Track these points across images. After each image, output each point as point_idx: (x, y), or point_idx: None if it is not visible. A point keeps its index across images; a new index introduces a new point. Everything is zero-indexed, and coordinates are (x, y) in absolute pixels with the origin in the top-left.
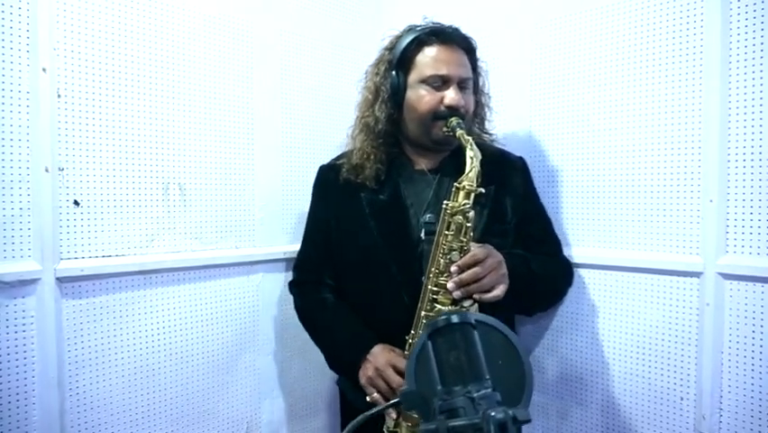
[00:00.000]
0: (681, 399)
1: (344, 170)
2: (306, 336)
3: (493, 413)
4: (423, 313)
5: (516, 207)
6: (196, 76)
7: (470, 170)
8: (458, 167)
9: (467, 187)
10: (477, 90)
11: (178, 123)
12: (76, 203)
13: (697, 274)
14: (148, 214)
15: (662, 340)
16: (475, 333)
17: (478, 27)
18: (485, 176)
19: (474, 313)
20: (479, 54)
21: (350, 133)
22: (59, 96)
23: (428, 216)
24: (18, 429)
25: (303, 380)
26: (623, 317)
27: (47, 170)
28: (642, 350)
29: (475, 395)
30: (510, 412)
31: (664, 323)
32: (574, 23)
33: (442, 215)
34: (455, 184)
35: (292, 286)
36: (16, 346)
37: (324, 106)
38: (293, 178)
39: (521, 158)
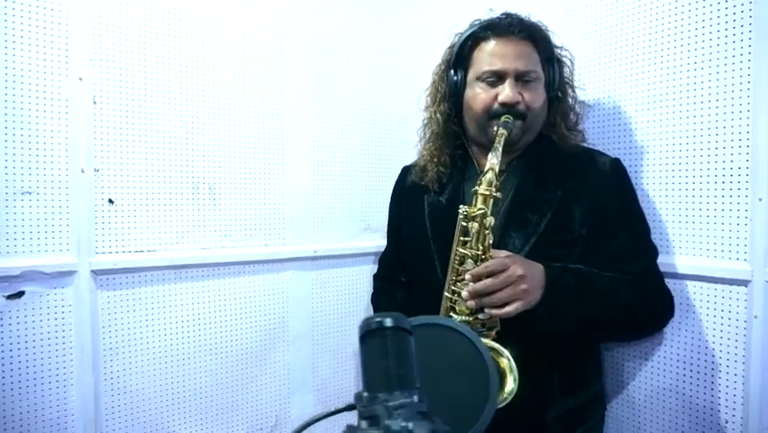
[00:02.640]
0: (726, 421)
1: (413, 171)
2: (336, 334)
3: (389, 423)
4: None
5: (588, 218)
6: (226, 79)
7: (485, 173)
8: (529, 168)
9: (482, 191)
10: (553, 82)
11: (207, 125)
12: (110, 201)
13: (744, 283)
14: (178, 212)
15: (705, 355)
16: (411, 338)
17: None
18: (553, 180)
19: (427, 317)
20: (558, 42)
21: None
22: (94, 102)
23: None
24: (57, 408)
25: (334, 377)
26: None
27: (83, 171)
28: (682, 364)
29: (391, 404)
30: (409, 425)
31: (707, 336)
32: (606, 5)
33: (457, 219)
34: (474, 188)
35: (374, 279)
36: (56, 332)
37: (358, 105)
38: (323, 176)
39: (614, 161)
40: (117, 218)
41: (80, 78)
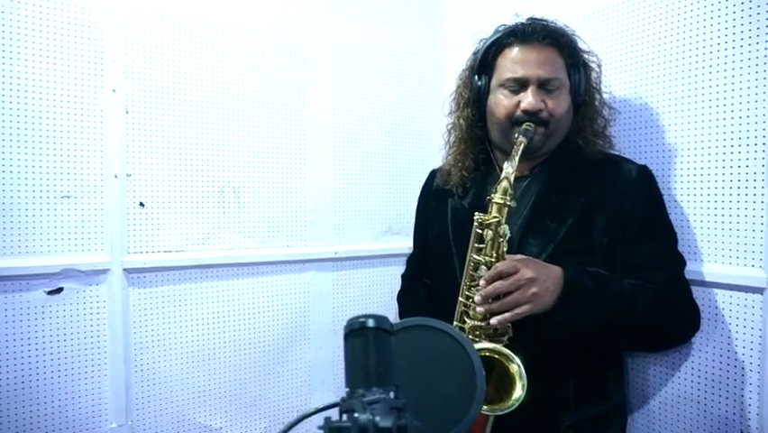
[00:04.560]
0: (741, 432)
1: (439, 175)
2: None
3: (357, 415)
4: (455, 324)
5: (610, 226)
6: (250, 87)
7: (500, 182)
8: (552, 174)
9: (496, 200)
10: (579, 88)
11: (233, 132)
12: (141, 204)
13: (759, 290)
14: (204, 214)
15: (720, 363)
16: (392, 339)
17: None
18: (577, 187)
19: (420, 318)
20: (584, 47)
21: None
22: (126, 112)
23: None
24: (92, 397)
25: None
26: None
27: (116, 177)
28: (697, 372)
29: (367, 399)
30: (376, 418)
31: (722, 344)
32: (622, 9)
33: (473, 227)
34: (489, 196)
35: (402, 278)
36: (91, 326)
37: (378, 110)
38: (344, 180)
39: (641, 169)
40: (148, 220)
41: (114, 90)
